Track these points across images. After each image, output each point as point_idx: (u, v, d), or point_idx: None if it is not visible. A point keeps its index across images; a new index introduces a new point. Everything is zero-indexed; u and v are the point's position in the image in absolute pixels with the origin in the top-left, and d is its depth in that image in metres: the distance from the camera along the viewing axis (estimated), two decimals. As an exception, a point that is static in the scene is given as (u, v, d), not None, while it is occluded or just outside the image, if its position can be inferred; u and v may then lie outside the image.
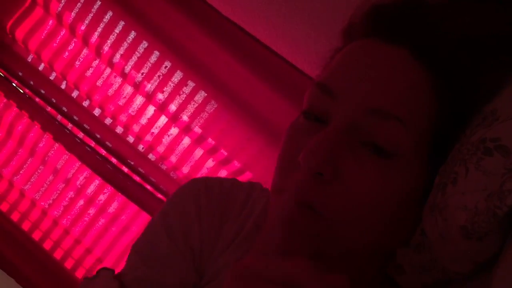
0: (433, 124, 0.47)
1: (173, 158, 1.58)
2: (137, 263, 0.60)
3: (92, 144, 1.67)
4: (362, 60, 0.49)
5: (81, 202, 1.69)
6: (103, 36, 1.57)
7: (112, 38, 1.57)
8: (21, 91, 1.71)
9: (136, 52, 1.55)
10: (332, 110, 0.48)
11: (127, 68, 1.57)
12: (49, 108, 1.69)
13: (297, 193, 0.47)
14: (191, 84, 1.52)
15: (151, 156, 1.62)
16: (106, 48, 1.58)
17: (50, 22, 1.65)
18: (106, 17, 1.56)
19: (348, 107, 0.47)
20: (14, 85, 1.72)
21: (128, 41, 1.56)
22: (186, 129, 1.55)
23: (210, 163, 1.55)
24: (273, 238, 0.50)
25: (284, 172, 0.51)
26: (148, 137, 1.59)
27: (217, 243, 0.62)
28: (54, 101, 1.69)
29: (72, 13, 1.59)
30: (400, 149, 0.45)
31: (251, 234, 0.62)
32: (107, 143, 1.65)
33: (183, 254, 0.61)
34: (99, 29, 1.57)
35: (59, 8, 1.60)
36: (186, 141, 1.57)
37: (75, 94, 1.68)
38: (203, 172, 1.56)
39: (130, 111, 1.60)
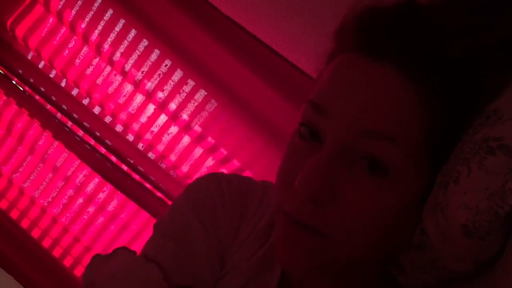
0: (428, 136, 0.46)
1: (173, 157, 1.58)
2: (169, 246, 0.59)
3: (92, 142, 1.67)
4: (350, 79, 0.48)
5: (81, 200, 1.69)
6: (103, 34, 1.57)
7: (112, 36, 1.57)
8: (21, 88, 1.71)
9: (136, 51, 1.55)
10: (324, 130, 0.48)
11: (127, 67, 1.57)
12: (49, 106, 1.69)
13: (295, 216, 0.48)
14: (191, 83, 1.52)
15: (150, 155, 1.62)
16: (106, 46, 1.58)
17: (51, 20, 1.65)
18: (107, 15, 1.56)
19: (338, 128, 0.47)
20: (14, 82, 1.71)
21: (128, 40, 1.56)
22: (186, 128, 1.55)
23: (209, 162, 1.55)
24: (276, 253, 0.51)
25: (283, 191, 0.51)
26: (148, 136, 1.59)
27: (235, 239, 0.62)
28: (54, 99, 1.69)
29: (73, 11, 1.59)
30: (394, 166, 0.45)
31: (263, 232, 0.62)
32: (107, 141, 1.65)
33: (213, 243, 0.60)
34: (100, 27, 1.57)
35: (60, 6, 1.60)
36: (186, 140, 1.57)
37: (75, 92, 1.68)
38: (202, 171, 1.56)
39: (130, 110, 1.60)
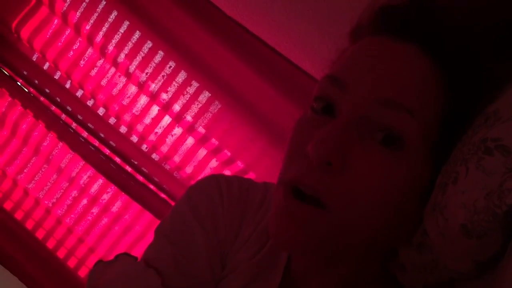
0: (439, 118, 0.47)
1: (177, 158, 1.58)
2: (169, 250, 0.59)
3: (96, 143, 1.67)
4: (372, 54, 0.49)
5: (85, 201, 1.70)
6: (108, 36, 1.58)
7: (116, 37, 1.57)
8: (26, 90, 1.72)
9: (141, 52, 1.56)
10: (341, 102, 0.48)
11: (132, 68, 1.57)
12: (53, 107, 1.70)
13: (300, 180, 0.47)
14: (195, 84, 1.52)
15: (154, 156, 1.62)
16: (110, 47, 1.59)
17: (55, 21, 1.66)
18: (111, 16, 1.57)
19: (357, 98, 0.47)
20: (19, 84, 1.72)
21: (133, 41, 1.56)
22: (189, 129, 1.55)
23: (213, 163, 1.56)
24: (271, 229, 0.50)
25: (291, 162, 0.50)
26: (152, 137, 1.60)
27: (236, 240, 0.62)
28: (59, 100, 1.70)
29: (77, 13, 1.60)
30: (408, 140, 0.45)
31: (265, 232, 0.62)
32: (111, 142, 1.66)
33: (213, 245, 0.61)
34: (104, 29, 1.58)
35: (64, 8, 1.61)
36: (190, 141, 1.57)
37: (79, 93, 1.69)
38: (206, 172, 1.56)
39: (134, 111, 1.61)
